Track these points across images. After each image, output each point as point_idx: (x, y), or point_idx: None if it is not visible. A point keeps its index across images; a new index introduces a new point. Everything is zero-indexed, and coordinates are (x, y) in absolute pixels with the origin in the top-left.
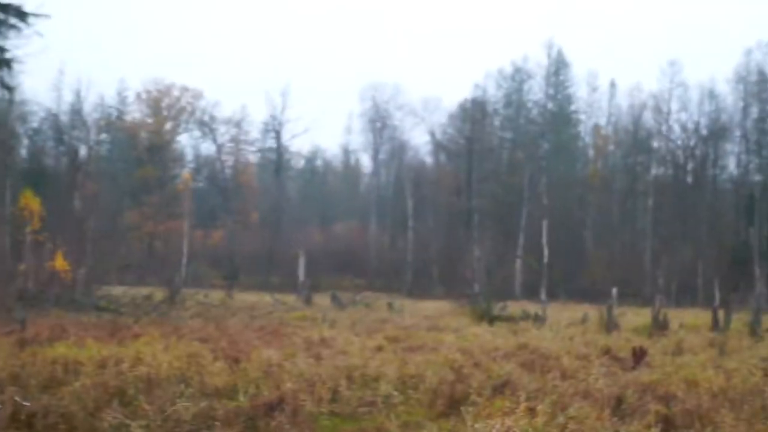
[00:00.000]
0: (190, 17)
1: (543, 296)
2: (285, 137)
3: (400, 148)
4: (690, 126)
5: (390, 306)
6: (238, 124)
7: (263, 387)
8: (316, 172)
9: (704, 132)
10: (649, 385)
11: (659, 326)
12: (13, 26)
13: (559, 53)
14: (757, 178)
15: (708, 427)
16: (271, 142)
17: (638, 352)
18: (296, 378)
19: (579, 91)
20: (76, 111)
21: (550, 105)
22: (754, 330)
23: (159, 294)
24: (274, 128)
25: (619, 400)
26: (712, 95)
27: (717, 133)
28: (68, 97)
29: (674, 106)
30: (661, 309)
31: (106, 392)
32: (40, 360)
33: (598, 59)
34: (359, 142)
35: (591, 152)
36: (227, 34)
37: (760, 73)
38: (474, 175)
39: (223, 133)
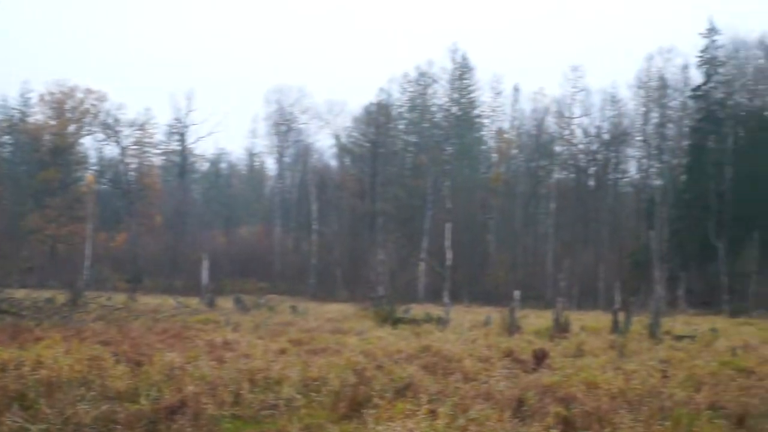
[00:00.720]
0: (94, 18)
1: (446, 299)
2: (189, 140)
3: (304, 151)
4: (592, 130)
5: (293, 309)
6: (142, 127)
7: (165, 390)
8: (220, 175)
9: (606, 137)
10: (550, 386)
11: (560, 329)
12: None
13: (464, 58)
14: (657, 182)
15: (607, 428)
16: (175, 145)
17: (539, 354)
18: (198, 381)
19: (483, 95)
20: None
21: (454, 109)
22: (653, 332)
23: (61, 297)
24: (178, 131)
25: (520, 402)
26: (613, 100)
27: (618, 137)
28: None
29: (576, 110)
30: (562, 312)
31: (6, 396)
32: None
33: (502, 64)
34: (264, 145)
35: (494, 156)
36: (131, 35)
37: (661, 78)
38: (378, 179)
39: (127, 136)
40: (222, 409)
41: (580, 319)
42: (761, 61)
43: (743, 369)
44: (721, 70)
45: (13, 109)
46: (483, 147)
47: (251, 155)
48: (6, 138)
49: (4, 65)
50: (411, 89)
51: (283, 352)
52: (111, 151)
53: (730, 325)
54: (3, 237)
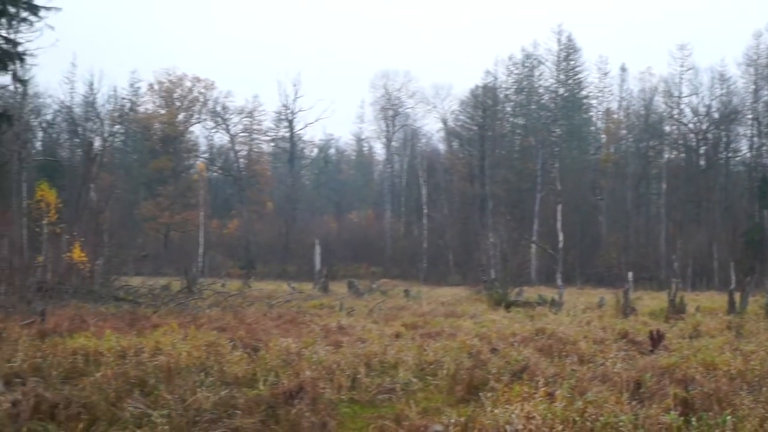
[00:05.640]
0: (200, 8)
1: (559, 281)
2: (298, 126)
3: (412, 136)
4: (701, 109)
5: (406, 293)
6: (250, 114)
7: (282, 375)
8: (329, 161)
9: (716, 115)
10: (667, 368)
11: (676, 310)
12: (24, 20)
13: (569, 39)
14: None
15: (727, 410)
16: (284, 132)
17: (655, 335)
18: (315, 366)
19: (590, 76)
20: (90, 103)
21: (561, 90)
22: None
23: (176, 284)
24: (286, 117)
25: (638, 384)
26: (722, 78)
27: (728, 116)
28: (81, 90)
29: (685, 89)
30: (677, 292)
31: (127, 382)
32: (61, 351)
33: (607, 44)
34: (372, 130)
35: (603, 137)
36: (237, 24)
37: None
38: (487, 162)
39: (236, 123)
40: (339, 393)
41: (695, 300)
42: None
43: None
44: None
45: (123, 99)
46: (591, 128)
47: (359, 140)
48: (117, 128)
49: (113, 56)
50: (517, 71)
51: (397, 336)
52: (220, 138)
53: None
54: (118, 226)
